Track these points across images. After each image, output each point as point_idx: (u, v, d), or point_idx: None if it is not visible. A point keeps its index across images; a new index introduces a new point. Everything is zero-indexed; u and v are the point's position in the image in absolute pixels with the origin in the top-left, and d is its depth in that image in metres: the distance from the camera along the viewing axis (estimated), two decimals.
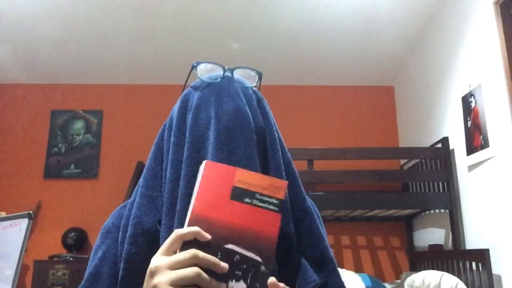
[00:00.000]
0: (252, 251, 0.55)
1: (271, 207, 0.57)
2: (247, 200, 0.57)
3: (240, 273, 0.54)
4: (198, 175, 0.58)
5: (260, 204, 0.57)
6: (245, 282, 0.53)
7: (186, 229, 0.53)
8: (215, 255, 0.53)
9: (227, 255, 0.54)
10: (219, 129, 0.69)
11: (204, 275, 0.51)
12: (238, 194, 0.57)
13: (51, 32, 3.51)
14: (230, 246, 0.54)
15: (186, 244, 0.53)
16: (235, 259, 0.54)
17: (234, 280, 0.53)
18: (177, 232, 0.53)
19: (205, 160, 0.58)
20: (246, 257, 0.54)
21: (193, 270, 0.50)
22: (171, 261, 0.51)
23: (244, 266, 0.54)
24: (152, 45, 3.72)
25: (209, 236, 0.53)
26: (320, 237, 0.71)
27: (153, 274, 0.52)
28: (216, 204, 0.56)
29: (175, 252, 0.53)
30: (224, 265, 0.53)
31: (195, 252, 0.51)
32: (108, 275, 0.66)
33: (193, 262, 0.51)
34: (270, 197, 0.57)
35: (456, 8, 3.03)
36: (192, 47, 3.71)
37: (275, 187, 0.58)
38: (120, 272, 0.64)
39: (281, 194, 0.58)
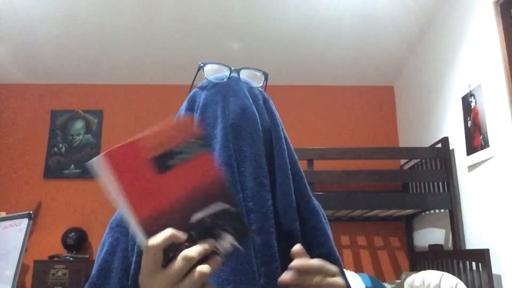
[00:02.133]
0: (214, 203, 0.51)
1: (195, 151, 0.51)
2: (170, 162, 0.49)
3: (219, 229, 0.50)
4: (103, 175, 0.48)
5: (184, 156, 0.50)
6: (228, 232, 0.51)
7: (159, 237, 0.47)
8: (190, 236, 0.49)
9: (199, 228, 0.50)
10: (225, 127, 0.69)
11: (207, 268, 0.48)
12: (159, 163, 0.49)
13: (51, 32, 3.51)
14: (195, 217, 0.50)
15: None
16: (207, 223, 0.50)
17: (219, 240, 0.50)
18: (152, 246, 0.47)
19: (98, 156, 0.48)
20: (213, 213, 0.51)
21: (200, 273, 0.48)
22: (172, 277, 0.47)
23: (218, 222, 0.51)
24: (152, 45, 3.72)
25: (184, 236, 0.48)
26: (326, 237, 0.71)
27: None
28: (149, 190, 0.48)
29: (160, 266, 0.48)
30: (211, 244, 0.50)
31: (187, 256, 0.47)
32: (120, 269, 0.66)
33: (190, 265, 0.48)
34: (187, 142, 0.51)
35: (456, 8, 3.03)
36: (192, 47, 3.71)
37: (183, 129, 0.51)
38: (133, 266, 0.64)
39: (193, 131, 0.51)
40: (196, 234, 0.49)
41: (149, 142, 0.49)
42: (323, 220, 0.73)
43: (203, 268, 0.48)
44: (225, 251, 0.50)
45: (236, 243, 0.51)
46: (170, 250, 0.48)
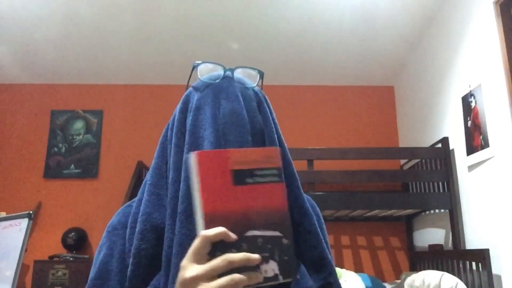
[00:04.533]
0: (270, 228, 0.56)
1: (272, 179, 0.57)
2: (249, 180, 0.56)
3: (267, 254, 0.54)
4: (193, 169, 0.56)
5: (262, 180, 0.57)
6: (274, 260, 0.54)
7: (212, 231, 0.52)
8: (240, 246, 0.53)
9: (250, 242, 0.54)
10: (217, 131, 0.69)
11: (242, 278, 0.51)
12: (239, 177, 0.56)
13: (51, 32, 3.51)
14: (250, 232, 0.54)
15: (213, 245, 0.53)
16: (258, 242, 0.54)
17: (264, 263, 0.54)
18: (205, 235, 0.52)
19: (193, 152, 0.56)
20: (267, 236, 0.55)
21: (233, 279, 0.51)
22: (207, 270, 0.51)
23: (269, 246, 0.55)
24: (152, 45, 3.72)
25: (235, 237, 0.53)
26: (319, 239, 0.71)
27: (189, 285, 0.51)
28: (223, 195, 0.55)
29: (205, 257, 0.52)
30: (257, 256, 0.53)
31: (229, 258, 0.51)
32: (117, 271, 0.67)
33: (229, 267, 0.51)
34: (269, 169, 0.57)
35: (456, 8, 3.03)
36: (192, 47, 3.71)
37: (269, 157, 0.58)
38: (130, 268, 0.65)
39: (277, 162, 0.58)
40: (246, 248, 0.54)
41: (238, 156, 0.57)
42: (316, 223, 0.73)
43: (238, 276, 0.51)
44: (265, 274, 0.54)
45: (278, 272, 0.54)
46: (220, 250, 0.53)
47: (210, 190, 0.54)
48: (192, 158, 0.56)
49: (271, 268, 0.54)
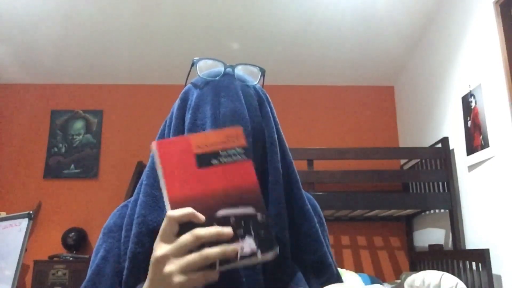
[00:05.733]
0: (242, 206, 0.55)
1: (238, 157, 0.57)
2: (214, 161, 0.56)
3: (242, 231, 0.54)
4: (155, 159, 0.56)
5: (227, 159, 0.57)
6: (250, 236, 0.54)
7: (178, 211, 0.52)
8: (211, 226, 0.53)
9: (223, 222, 0.53)
10: None
11: (212, 252, 0.50)
12: (203, 160, 0.56)
13: (51, 32, 3.51)
14: (221, 212, 0.54)
15: (182, 225, 0.52)
16: (231, 221, 0.54)
17: (240, 240, 0.53)
18: (171, 216, 0.52)
19: (153, 142, 0.57)
20: (240, 214, 0.55)
21: (201, 256, 0.50)
22: (176, 247, 0.51)
23: (243, 223, 0.54)
24: (152, 45, 3.72)
25: (203, 218, 0.52)
26: (319, 242, 0.69)
27: (160, 263, 0.51)
28: (187, 179, 0.55)
29: (173, 237, 0.52)
30: (228, 230, 0.52)
31: (197, 233, 0.51)
32: (111, 274, 0.66)
33: (197, 243, 0.51)
34: (233, 148, 0.57)
35: (456, 8, 3.03)
36: (192, 47, 3.71)
37: (233, 137, 0.58)
38: (125, 272, 0.64)
39: (241, 141, 0.58)
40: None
41: (200, 140, 0.57)
42: (317, 225, 0.71)
43: (209, 250, 0.50)
44: (242, 251, 0.53)
45: (255, 247, 0.53)
46: (189, 229, 0.52)
47: (173, 176, 0.54)
48: (153, 148, 0.56)
49: (248, 243, 0.53)
